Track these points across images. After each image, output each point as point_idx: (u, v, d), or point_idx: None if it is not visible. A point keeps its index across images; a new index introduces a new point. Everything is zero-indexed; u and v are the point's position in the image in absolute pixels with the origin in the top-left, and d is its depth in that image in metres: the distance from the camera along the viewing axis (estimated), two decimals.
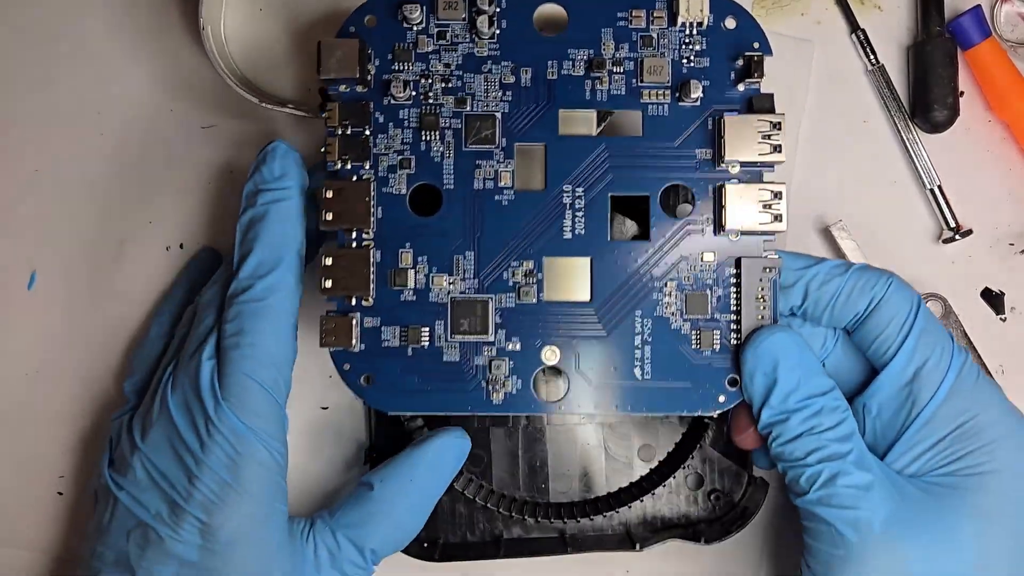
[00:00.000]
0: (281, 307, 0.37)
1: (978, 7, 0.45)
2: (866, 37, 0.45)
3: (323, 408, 0.46)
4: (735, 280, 0.38)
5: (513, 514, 0.42)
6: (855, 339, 0.39)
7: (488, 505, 0.42)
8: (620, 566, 0.45)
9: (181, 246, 0.45)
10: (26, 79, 0.46)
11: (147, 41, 0.46)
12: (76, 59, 0.46)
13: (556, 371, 0.39)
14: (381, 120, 0.38)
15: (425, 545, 0.43)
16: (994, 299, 0.46)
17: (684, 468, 0.43)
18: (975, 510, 0.36)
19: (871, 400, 0.38)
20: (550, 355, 0.38)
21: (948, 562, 0.36)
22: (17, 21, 0.46)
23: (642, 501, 0.43)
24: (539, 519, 0.42)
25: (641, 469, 0.44)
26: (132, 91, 0.46)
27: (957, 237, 0.45)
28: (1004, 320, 0.46)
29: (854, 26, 0.46)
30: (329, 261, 0.37)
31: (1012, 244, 0.46)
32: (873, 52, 0.45)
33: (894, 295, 0.38)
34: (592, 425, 0.44)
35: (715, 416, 0.40)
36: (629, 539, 0.43)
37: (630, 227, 0.41)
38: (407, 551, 0.42)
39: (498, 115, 0.38)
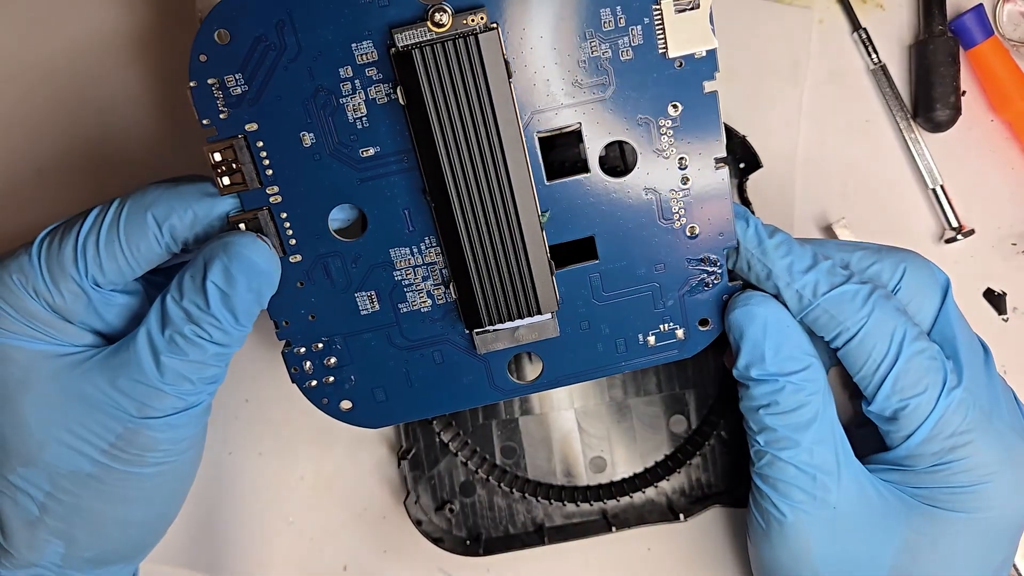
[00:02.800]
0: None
1: (980, 6, 0.44)
2: (868, 36, 0.45)
3: None
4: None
5: (552, 501, 0.43)
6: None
7: (526, 495, 0.43)
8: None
9: None
10: (26, 73, 0.46)
11: (147, 34, 0.46)
12: (76, 52, 0.45)
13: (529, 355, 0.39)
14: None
15: (468, 543, 0.43)
16: (996, 299, 0.46)
17: (717, 435, 0.43)
18: (913, 536, 0.37)
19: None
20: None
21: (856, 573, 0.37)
22: (18, 18, 0.46)
23: (679, 472, 0.43)
24: (579, 503, 0.43)
25: (675, 441, 0.44)
26: (133, 89, 0.45)
27: (959, 237, 0.45)
28: (1006, 320, 0.46)
29: (856, 25, 0.46)
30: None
31: (1015, 244, 0.46)
32: (875, 51, 0.45)
33: (870, 334, 0.36)
34: (619, 403, 0.44)
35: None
36: (671, 511, 0.43)
37: None
38: (451, 550, 0.42)
39: None
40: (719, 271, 0.37)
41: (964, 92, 0.45)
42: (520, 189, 0.34)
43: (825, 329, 0.37)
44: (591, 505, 0.43)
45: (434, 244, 0.36)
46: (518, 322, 0.37)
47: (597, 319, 0.37)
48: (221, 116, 0.34)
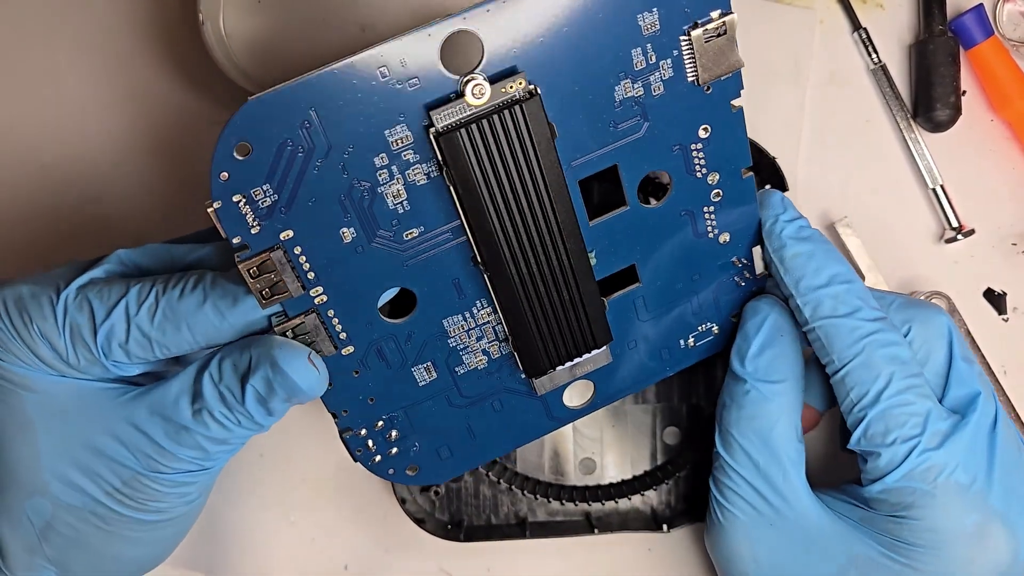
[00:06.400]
0: None
1: (980, 6, 0.44)
2: (868, 36, 0.45)
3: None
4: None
5: (538, 497, 0.43)
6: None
7: (512, 488, 0.43)
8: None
9: None
10: (29, 75, 0.46)
11: (148, 38, 0.46)
12: (78, 56, 0.46)
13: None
14: None
15: (449, 527, 0.43)
16: (996, 299, 0.46)
17: (710, 451, 0.43)
18: (853, 570, 0.37)
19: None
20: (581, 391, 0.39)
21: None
22: (18, 16, 0.46)
23: (667, 483, 0.43)
24: (564, 502, 0.43)
25: (667, 452, 0.44)
26: (135, 87, 0.46)
27: (959, 237, 0.45)
28: (1007, 320, 0.45)
29: (856, 25, 0.46)
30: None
31: (1015, 244, 0.46)
32: (875, 51, 0.45)
33: (852, 373, 0.36)
34: (616, 408, 0.44)
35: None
36: (655, 520, 0.43)
37: None
38: (432, 532, 0.42)
39: None
40: (749, 269, 0.38)
41: (964, 92, 0.45)
42: (571, 242, 0.34)
43: (819, 354, 0.37)
44: (576, 505, 0.43)
45: (486, 306, 0.35)
46: (576, 360, 0.37)
47: (643, 336, 0.38)
48: (253, 231, 0.31)
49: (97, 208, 0.46)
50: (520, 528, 0.43)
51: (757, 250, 0.38)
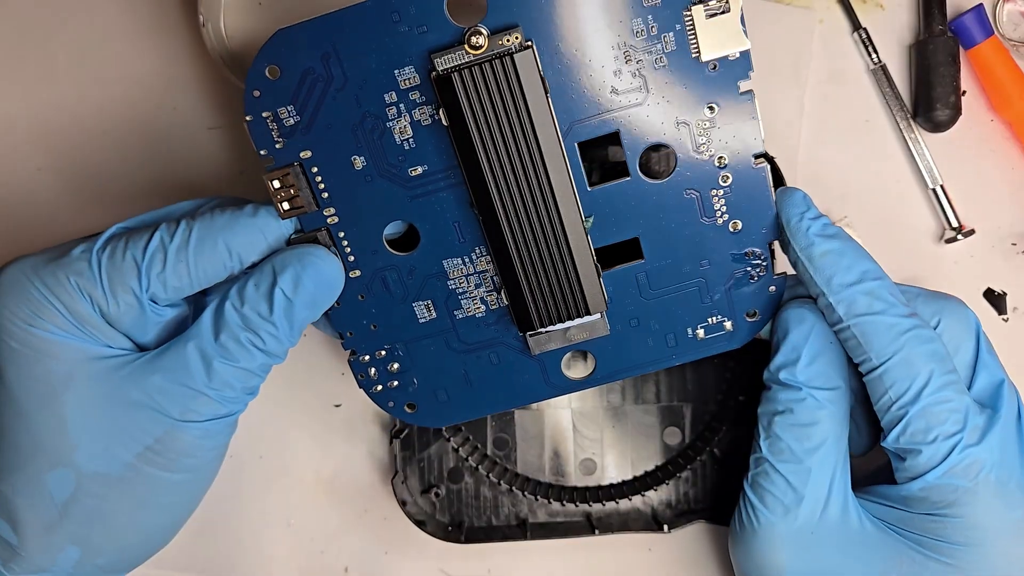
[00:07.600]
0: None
1: (980, 6, 0.44)
2: (868, 36, 0.45)
3: (336, 406, 0.46)
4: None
5: (538, 498, 0.43)
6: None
7: (513, 489, 0.43)
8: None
9: None
10: (28, 76, 0.46)
11: (149, 39, 0.46)
12: (78, 57, 0.46)
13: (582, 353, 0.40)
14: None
15: (450, 528, 0.43)
16: (996, 299, 0.46)
17: (710, 451, 0.43)
18: (894, 573, 0.37)
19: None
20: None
21: None
22: (18, 18, 0.46)
23: (668, 484, 0.43)
24: (564, 503, 0.43)
25: (667, 452, 0.45)
26: (135, 89, 0.46)
27: (959, 237, 0.45)
28: (1007, 320, 0.46)
29: (856, 25, 0.46)
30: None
31: (1015, 244, 0.46)
32: (875, 51, 0.45)
33: (891, 371, 0.35)
34: (616, 408, 0.45)
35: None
36: (655, 521, 0.43)
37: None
38: (433, 533, 0.43)
39: None
40: (763, 263, 0.38)
41: (964, 92, 0.45)
42: (563, 198, 0.35)
43: (852, 352, 0.36)
44: (576, 506, 0.43)
45: (485, 253, 0.37)
46: (569, 323, 0.38)
47: (646, 316, 0.39)
48: (277, 146, 0.35)
49: (96, 209, 0.46)
50: (521, 529, 0.44)
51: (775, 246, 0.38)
